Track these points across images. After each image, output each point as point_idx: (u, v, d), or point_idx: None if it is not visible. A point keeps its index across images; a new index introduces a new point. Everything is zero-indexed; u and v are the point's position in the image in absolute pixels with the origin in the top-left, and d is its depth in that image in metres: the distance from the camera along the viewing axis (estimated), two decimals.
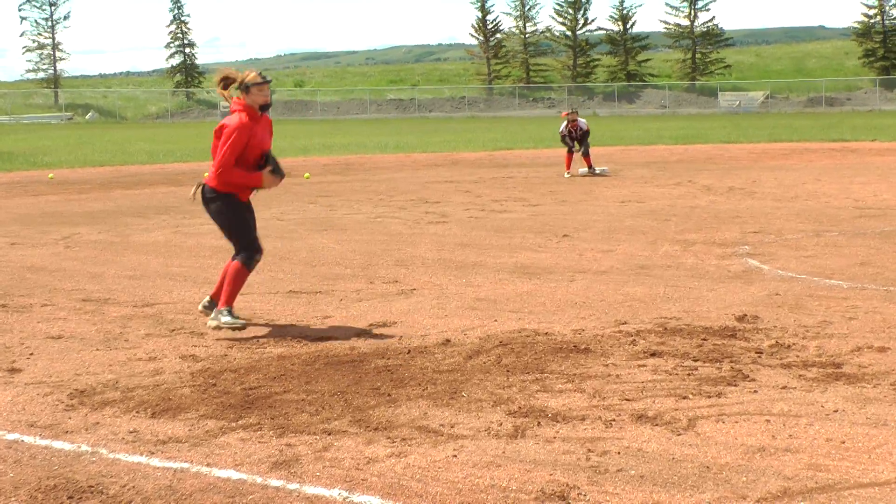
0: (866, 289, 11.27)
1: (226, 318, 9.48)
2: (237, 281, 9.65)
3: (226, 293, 9.60)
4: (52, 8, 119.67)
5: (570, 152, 27.76)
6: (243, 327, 9.53)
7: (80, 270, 13.46)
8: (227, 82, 9.78)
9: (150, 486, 5.85)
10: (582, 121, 27.97)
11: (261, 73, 9.72)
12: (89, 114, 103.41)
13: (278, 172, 9.80)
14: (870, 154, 34.42)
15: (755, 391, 7.45)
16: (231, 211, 9.72)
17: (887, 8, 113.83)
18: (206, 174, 9.88)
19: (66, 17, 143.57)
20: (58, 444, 6.59)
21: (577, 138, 27.78)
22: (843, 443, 6.29)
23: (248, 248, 9.73)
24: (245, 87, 9.62)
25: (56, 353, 9.03)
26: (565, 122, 27.94)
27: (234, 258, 9.78)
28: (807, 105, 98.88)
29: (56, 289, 12.16)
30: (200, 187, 9.82)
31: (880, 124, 58.49)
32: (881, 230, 15.91)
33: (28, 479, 5.97)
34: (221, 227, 9.90)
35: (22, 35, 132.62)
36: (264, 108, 9.73)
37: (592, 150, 28.44)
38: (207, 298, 10.00)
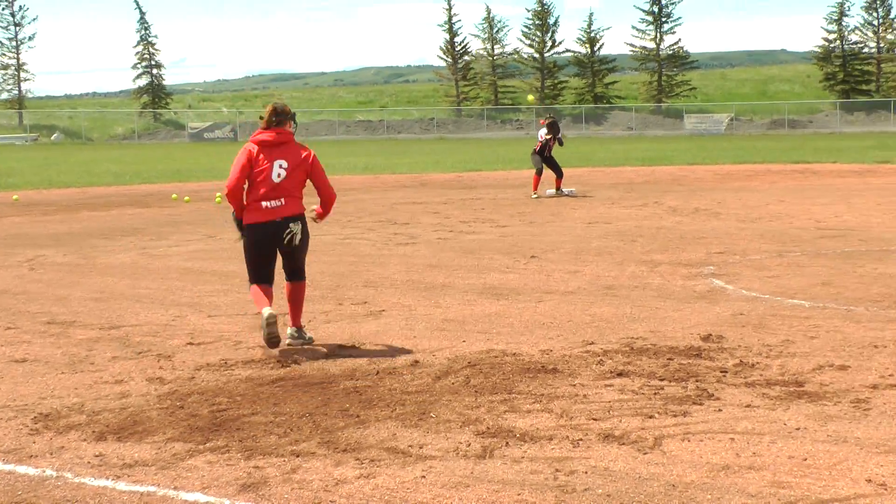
0: (827, 308, 11.37)
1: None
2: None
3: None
4: (17, 28, 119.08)
5: (539, 173, 27.81)
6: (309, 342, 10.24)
7: (45, 293, 13.41)
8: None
9: None
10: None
11: None
12: (55, 134, 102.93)
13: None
14: (831, 176, 34.66)
15: (720, 410, 7.52)
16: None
17: (846, 33, 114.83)
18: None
19: (31, 38, 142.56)
20: (22, 469, 6.56)
21: (552, 146, 27.69)
22: (805, 460, 6.37)
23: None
24: (295, 120, 10.18)
25: (20, 377, 9.00)
26: (545, 129, 27.83)
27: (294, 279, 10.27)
28: (770, 127, 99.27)
29: (20, 311, 12.12)
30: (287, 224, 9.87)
31: (841, 146, 58.93)
32: (842, 250, 16.04)
33: None
34: (303, 251, 10.20)
35: None
36: None
37: None
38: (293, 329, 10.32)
